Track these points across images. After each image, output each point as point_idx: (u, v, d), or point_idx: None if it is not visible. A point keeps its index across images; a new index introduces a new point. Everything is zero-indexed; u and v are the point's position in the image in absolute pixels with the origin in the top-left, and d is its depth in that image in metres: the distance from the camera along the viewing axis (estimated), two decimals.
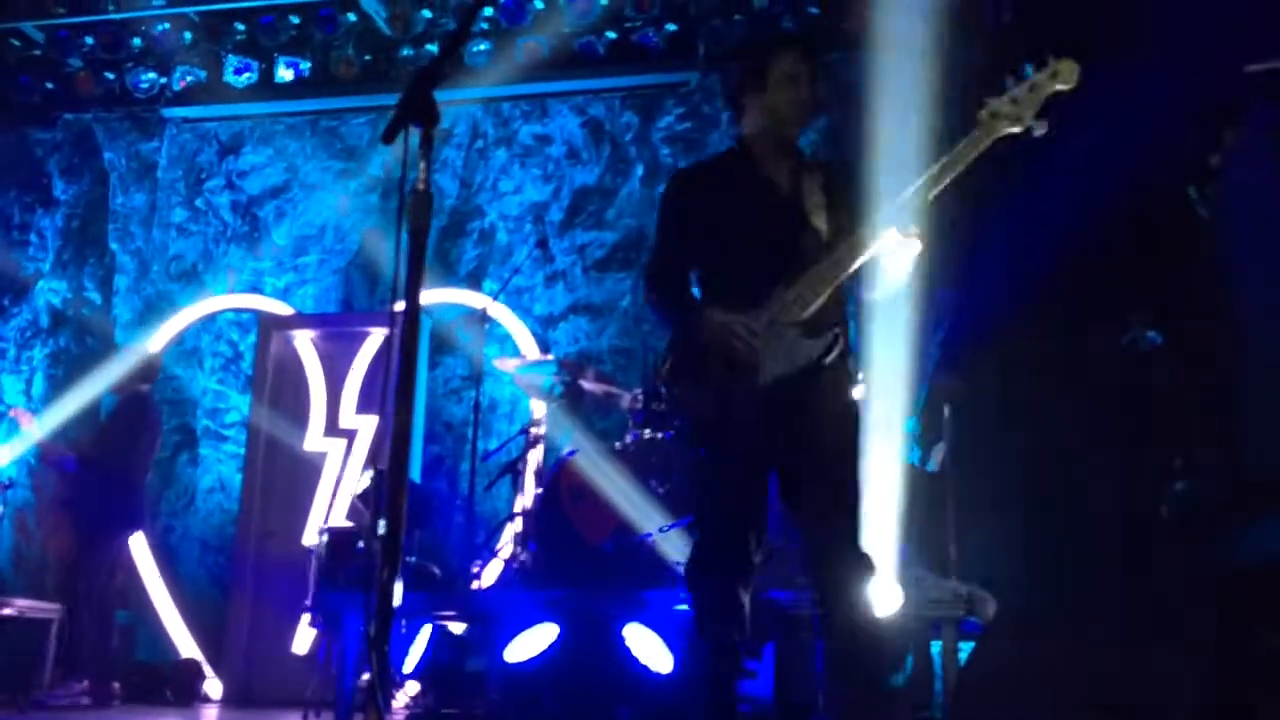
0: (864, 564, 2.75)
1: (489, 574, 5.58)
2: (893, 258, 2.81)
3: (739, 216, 2.94)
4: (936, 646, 4.36)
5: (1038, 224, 5.54)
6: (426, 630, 5.34)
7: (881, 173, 3.25)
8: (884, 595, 3.53)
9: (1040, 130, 2.70)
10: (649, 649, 4.01)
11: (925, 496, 5.05)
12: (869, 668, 2.73)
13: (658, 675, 3.94)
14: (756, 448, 2.82)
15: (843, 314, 2.94)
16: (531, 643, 4.17)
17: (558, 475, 4.79)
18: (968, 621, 4.14)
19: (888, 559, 3.50)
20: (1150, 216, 4.99)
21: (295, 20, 7.02)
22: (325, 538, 5.05)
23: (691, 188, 3.09)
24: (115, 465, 5.67)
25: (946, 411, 5.28)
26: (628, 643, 4.02)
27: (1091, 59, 2.73)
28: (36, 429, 5.89)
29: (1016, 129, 2.71)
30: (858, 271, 2.82)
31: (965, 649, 4.26)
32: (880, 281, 2.89)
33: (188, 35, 7.18)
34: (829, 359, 2.81)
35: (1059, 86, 2.70)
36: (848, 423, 2.87)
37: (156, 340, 6.92)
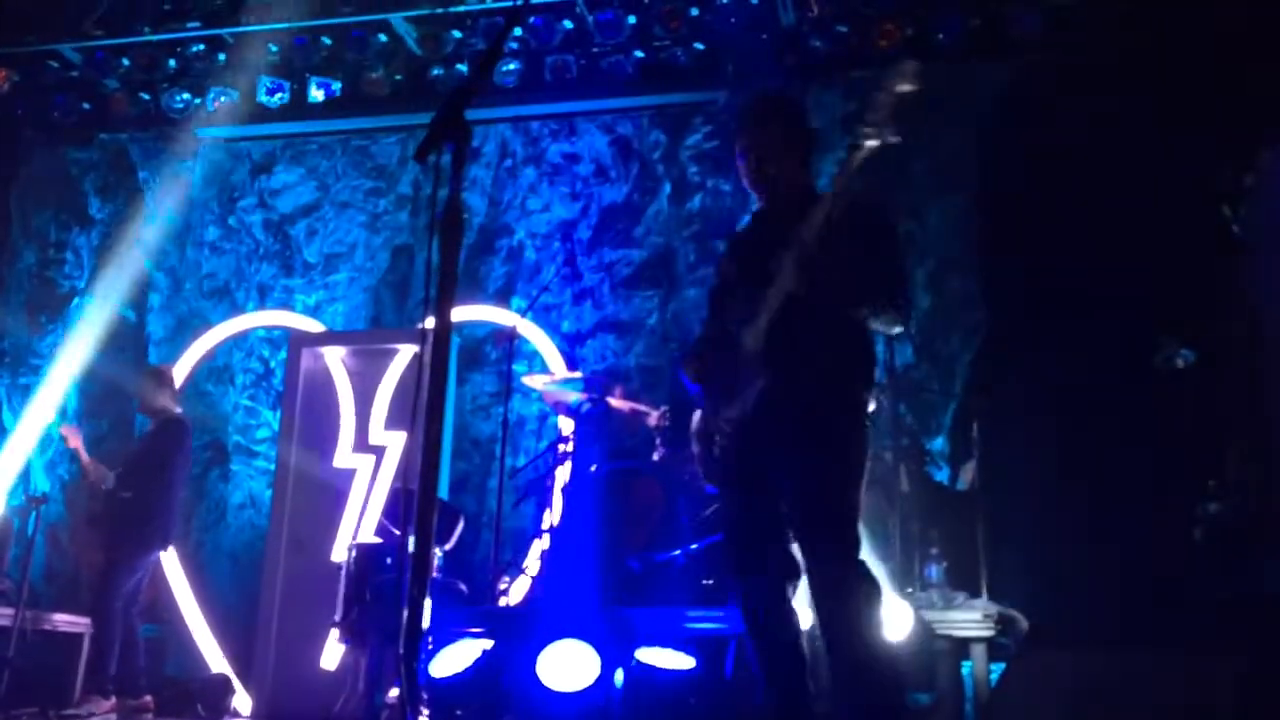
0: (855, 588, 2.66)
1: (516, 591, 5.58)
2: None
3: None
4: (967, 666, 4.32)
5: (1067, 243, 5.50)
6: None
7: None
8: (894, 618, 3.47)
9: (894, 139, 2.60)
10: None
11: (955, 515, 5.02)
12: (875, 693, 2.63)
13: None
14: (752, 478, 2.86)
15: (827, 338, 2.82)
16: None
17: (584, 492, 4.78)
18: (999, 641, 4.10)
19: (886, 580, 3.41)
20: (1184, 235, 4.95)
21: (327, 41, 7.09)
22: (354, 554, 5.06)
23: None
24: (147, 486, 5.70)
25: (975, 430, 5.24)
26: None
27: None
28: (82, 446, 5.93)
29: (875, 142, 2.60)
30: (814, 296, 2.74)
31: (996, 669, 4.22)
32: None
33: (221, 56, 7.27)
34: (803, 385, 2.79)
35: (904, 88, 2.58)
36: (829, 445, 2.77)
37: (188, 357, 7.01)
